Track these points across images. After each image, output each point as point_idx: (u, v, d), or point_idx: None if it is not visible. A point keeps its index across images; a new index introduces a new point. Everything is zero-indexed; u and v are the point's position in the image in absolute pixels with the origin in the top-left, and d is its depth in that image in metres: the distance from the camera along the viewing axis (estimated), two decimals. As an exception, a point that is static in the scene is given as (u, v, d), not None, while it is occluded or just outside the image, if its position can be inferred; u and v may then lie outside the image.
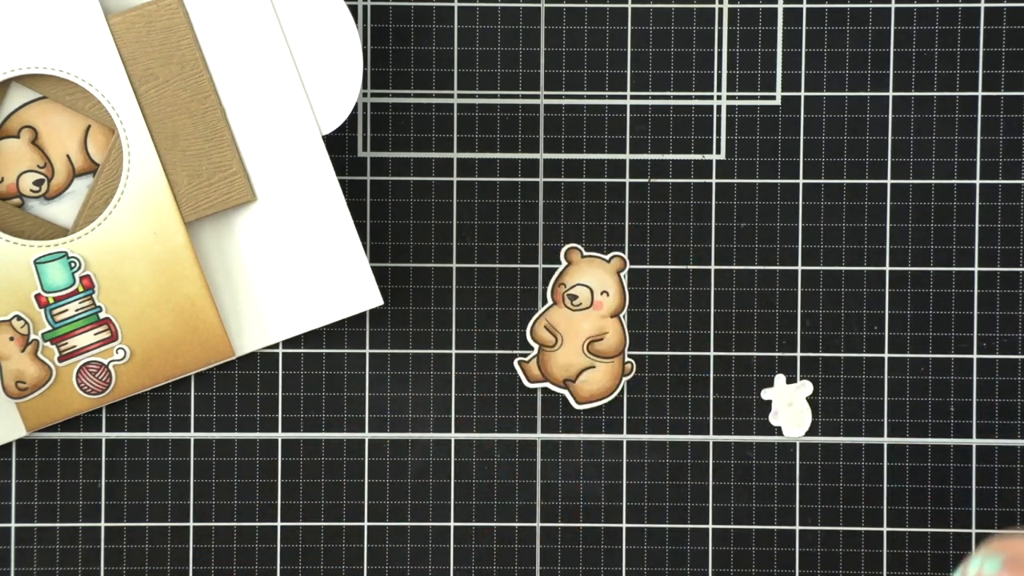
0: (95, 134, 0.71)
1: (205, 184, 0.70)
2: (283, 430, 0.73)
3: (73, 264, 0.70)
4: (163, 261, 0.70)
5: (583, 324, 0.73)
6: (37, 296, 0.70)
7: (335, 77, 0.70)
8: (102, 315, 0.70)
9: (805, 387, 0.73)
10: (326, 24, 0.70)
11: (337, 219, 0.71)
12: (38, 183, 0.71)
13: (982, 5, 0.73)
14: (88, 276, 0.70)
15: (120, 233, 0.70)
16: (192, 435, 0.73)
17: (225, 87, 0.70)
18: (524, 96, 0.73)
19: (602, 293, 0.73)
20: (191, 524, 0.73)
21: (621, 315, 0.73)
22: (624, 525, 0.73)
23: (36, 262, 0.70)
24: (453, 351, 0.73)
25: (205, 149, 0.70)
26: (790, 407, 0.73)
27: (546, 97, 0.73)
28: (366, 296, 0.71)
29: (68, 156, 0.71)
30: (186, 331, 0.71)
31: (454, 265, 0.73)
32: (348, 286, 0.71)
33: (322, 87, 0.70)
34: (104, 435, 0.72)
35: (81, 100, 0.70)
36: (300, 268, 0.71)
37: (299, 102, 0.70)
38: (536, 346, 0.73)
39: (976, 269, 0.73)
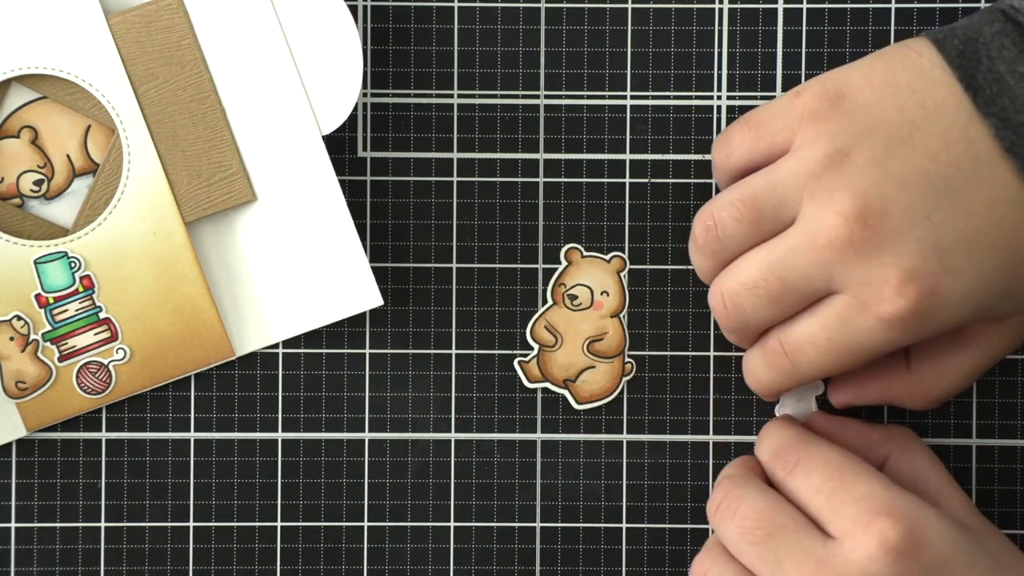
0: (95, 134, 0.71)
1: (205, 184, 0.70)
2: (283, 430, 0.73)
3: (73, 264, 0.70)
4: (163, 261, 0.70)
5: (583, 324, 0.73)
6: (37, 296, 0.70)
7: (335, 77, 0.70)
8: (102, 315, 0.70)
9: (817, 386, 0.72)
10: (326, 24, 0.70)
11: (337, 219, 0.71)
12: (38, 183, 0.71)
13: (982, 5, 0.73)
14: (88, 276, 0.70)
15: (120, 233, 0.70)
16: (192, 435, 0.73)
17: (225, 87, 0.70)
18: (524, 96, 0.73)
19: (602, 293, 0.73)
20: (191, 524, 0.73)
21: (621, 315, 0.73)
22: (624, 525, 0.73)
23: (36, 262, 0.70)
24: (453, 351, 0.73)
25: (205, 149, 0.70)
26: (799, 403, 0.72)
27: (546, 97, 0.73)
28: (366, 296, 0.71)
29: (68, 156, 0.71)
30: (186, 331, 0.71)
31: (454, 265, 0.73)
32: (348, 286, 0.71)
33: (322, 87, 0.70)
34: (104, 435, 0.72)
35: (81, 100, 0.70)
36: (300, 268, 0.71)
37: (299, 102, 0.70)
38: (536, 346, 0.73)
39: (976, 269, 0.73)
